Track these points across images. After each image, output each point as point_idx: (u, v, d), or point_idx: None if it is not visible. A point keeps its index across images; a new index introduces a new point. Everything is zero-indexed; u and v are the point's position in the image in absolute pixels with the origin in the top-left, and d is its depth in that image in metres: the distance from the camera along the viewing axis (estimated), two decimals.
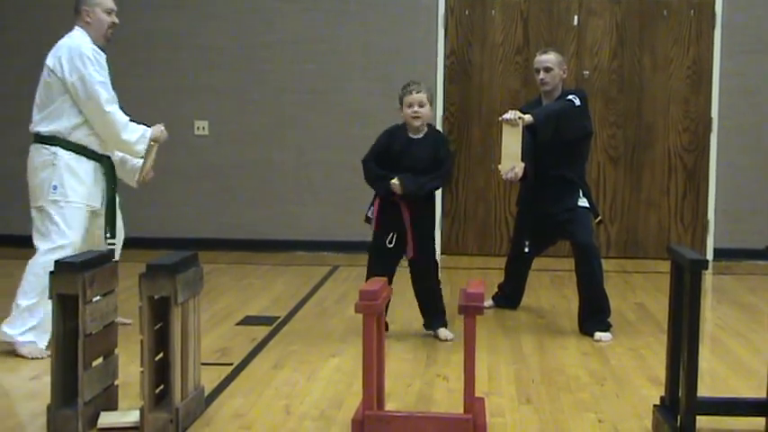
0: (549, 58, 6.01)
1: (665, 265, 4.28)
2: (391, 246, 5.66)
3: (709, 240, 9.02)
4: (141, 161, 5.53)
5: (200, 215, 9.05)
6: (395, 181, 5.53)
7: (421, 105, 5.60)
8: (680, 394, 3.71)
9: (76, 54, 5.18)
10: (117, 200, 5.48)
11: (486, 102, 9.08)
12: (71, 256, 3.99)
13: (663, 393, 4.01)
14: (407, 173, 5.57)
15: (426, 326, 5.81)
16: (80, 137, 5.23)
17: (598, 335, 5.72)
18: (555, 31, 9.01)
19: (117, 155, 5.57)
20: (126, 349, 4.96)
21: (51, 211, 5.17)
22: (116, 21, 5.45)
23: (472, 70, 9.10)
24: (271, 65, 9.17)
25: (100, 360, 4.03)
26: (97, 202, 5.33)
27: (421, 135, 5.68)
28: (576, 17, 8.99)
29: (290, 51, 9.15)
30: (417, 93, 5.60)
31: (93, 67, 5.19)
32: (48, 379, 3.95)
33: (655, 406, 4.03)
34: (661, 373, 4.12)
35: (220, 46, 9.10)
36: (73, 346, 3.83)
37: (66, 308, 3.85)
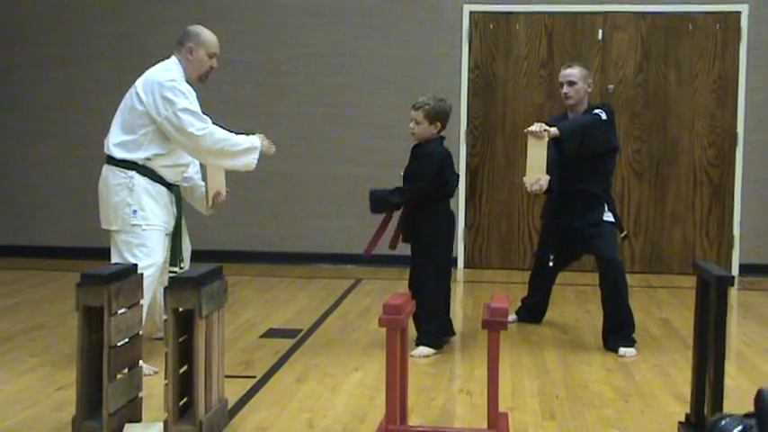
0: (572, 72, 6.00)
1: (691, 281, 4.26)
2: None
3: (734, 256, 8.96)
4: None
5: (225, 227, 9.08)
6: None
7: (417, 122, 5.70)
8: (705, 411, 3.69)
9: (168, 89, 5.19)
10: (183, 228, 5.53)
11: (510, 115, 9.07)
12: (97, 269, 4.01)
13: (688, 410, 3.98)
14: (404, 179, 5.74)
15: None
16: (154, 166, 5.28)
17: (622, 350, 5.69)
18: (579, 44, 8.99)
19: (188, 181, 5.66)
20: (150, 361, 5.00)
21: (133, 236, 5.21)
22: (215, 65, 5.47)
23: (496, 84, 9.10)
24: (295, 78, 9.21)
25: (125, 372, 4.04)
26: (171, 225, 5.39)
27: (424, 144, 5.76)
28: (600, 31, 8.97)
29: (314, 65, 9.19)
30: (415, 110, 5.69)
31: (185, 98, 5.21)
32: (73, 390, 3.97)
33: (680, 423, 4.01)
34: (686, 389, 4.10)
35: (246, 60, 9.15)
36: (98, 358, 3.85)
37: (91, 320, 3.87)
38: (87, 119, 9.07)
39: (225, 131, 5.33)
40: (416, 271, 5.75)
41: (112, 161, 5.28)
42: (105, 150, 5.33)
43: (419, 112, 5.66)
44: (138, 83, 5.32)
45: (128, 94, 5.34)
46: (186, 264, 5.54)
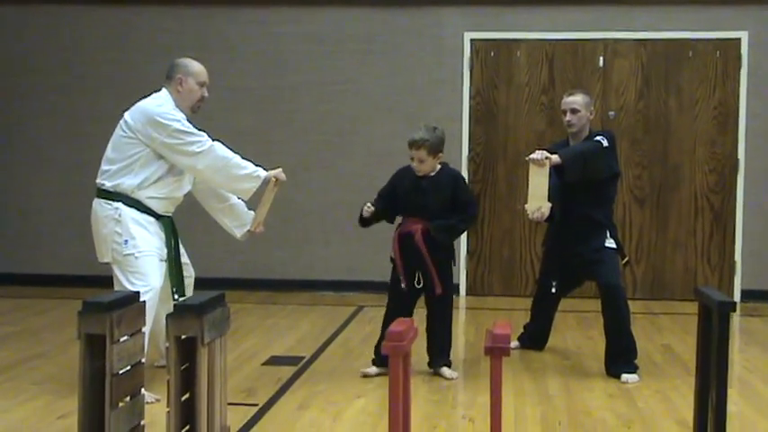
0: (575, 99, 6.03)
1: (692, 307, 4.26)
2: (420, 286, 5.69)
3: (736, 281, 8.95)
4: (251, 213, 5.68)
5: (226, 255, 9.08)
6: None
7: (420, 161, 5.67)
8: None
9: (157, 114, 5.22)
10: (181, 258, 5.51)
11: (511, 142, 9.09)
12: (98, 297, 4.00)
13: None
14: (420, 212, 5.66)
15: (431, 364, 5.80)
16: (142, 197, 5.26)
17: (625, 377, 5.68)
18: (580, 71, 9.03)
19: (229, 200, 5.67)
20: (152, 389, 4.98)
21: (128, 266, 5.20)
22: (206, 94, 5.48)
23: (497, 111, 9.12)
24: (296, 105, 9.23)
25: (127, 400, 4.03)
26: (164, 252, 5.36)
27: (433, 174, 5.73)
28: (601, 58, 9.01)
29: (314, 92, 9.22)
30: (416, 149, 5.64)
31: (176, 120, 5.23)
32: (75, 419, 3.95)
33: None
34: (689, 415, 4.09)
35: (246, 88, 9.18)
36: (100, 386, 3.83)
37: (93, 347, 3.86)
38: (88, 147, 9.04)
39: (227, 150, 5.34)
40: (447, 296, 5.77)
41: (101, 193, 5.29)
42: (96, 182, 5.33)
43: (421, 151, 5.63)
44: (127, 113, 5.34)
45: (117, 127, 5.35)
46: (189, 291, 5.53)
